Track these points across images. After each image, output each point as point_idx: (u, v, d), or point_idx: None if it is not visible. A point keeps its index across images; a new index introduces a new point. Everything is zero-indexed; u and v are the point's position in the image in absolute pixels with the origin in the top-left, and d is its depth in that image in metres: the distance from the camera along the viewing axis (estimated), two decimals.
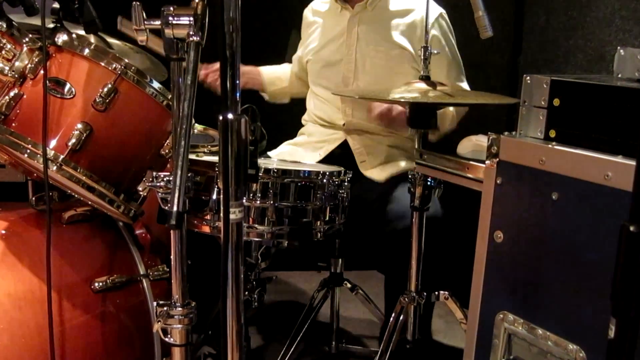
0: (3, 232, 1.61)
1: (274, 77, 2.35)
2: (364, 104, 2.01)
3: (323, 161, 2.04)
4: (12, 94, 1.49)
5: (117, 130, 1.53)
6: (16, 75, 1.49)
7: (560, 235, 1.07)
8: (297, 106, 2.31)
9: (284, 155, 2.12)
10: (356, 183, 1.78)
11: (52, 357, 1.44)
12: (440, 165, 1.46)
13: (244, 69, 2.25)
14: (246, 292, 1.72)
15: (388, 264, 1.93)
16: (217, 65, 2.18)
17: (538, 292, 1.12)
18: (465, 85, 2.07)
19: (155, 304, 1.29)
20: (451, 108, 2.02)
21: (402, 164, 2.02)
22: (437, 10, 1.99)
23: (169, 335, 1.27)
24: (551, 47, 2.42)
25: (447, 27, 2.04)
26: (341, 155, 2.05)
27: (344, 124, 2.06)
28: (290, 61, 2.36)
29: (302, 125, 2.24)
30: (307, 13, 2.23)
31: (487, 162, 1.20)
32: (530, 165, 1.11)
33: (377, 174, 2.00)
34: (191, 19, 1.14)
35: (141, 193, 1.61)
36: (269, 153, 2.15)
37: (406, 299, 1.64)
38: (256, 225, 1.52)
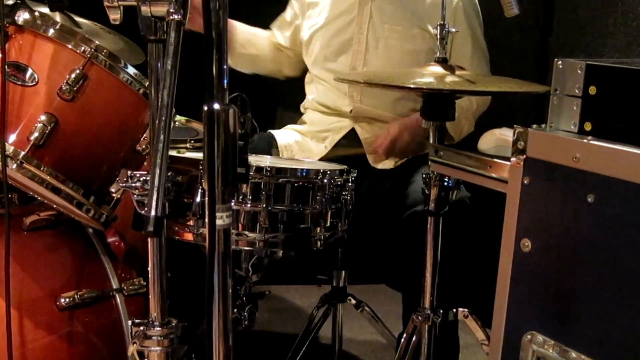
0: None
1: (248, 38, 2.22)
2: (374, 88, 2.01)
3: (329, 154, 2.04)
4: None
5: (86, 122, 1.54)
6: None
7: (596, 243, 1.07)
8: (294, 96, 2.31)
9: (290, 145, 2.12)
10: (365, 179, 1.78)
11: None
12: (458, 163, 1.46)
13: None
14: (235, 310, 1.72)
15: (407, 264, 1.91)
16: None
17: (571, 309, 1.12)
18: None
19: (130, 322, 1.30)
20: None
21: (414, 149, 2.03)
22: None
23: (145, 359, 1.28)
24: (586, 27, 2.42)
25: (474, 7, 2.04)
26: (348, 146, 2.05)
27: (351, 111, 2.07)
28: None
29: (300, 115, 2.24)
30: None
31: (513, 159, 1.20)
32: (562, 163, 1.11)
33: (388, 162, 2.01)
34: None
35: (114, 195, 1.61)
36: (272, 131, 2.14)
37: (419, 317, 1.64)
38: (246, 232, 1.53)
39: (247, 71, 2.27)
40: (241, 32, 2.22)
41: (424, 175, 1.58)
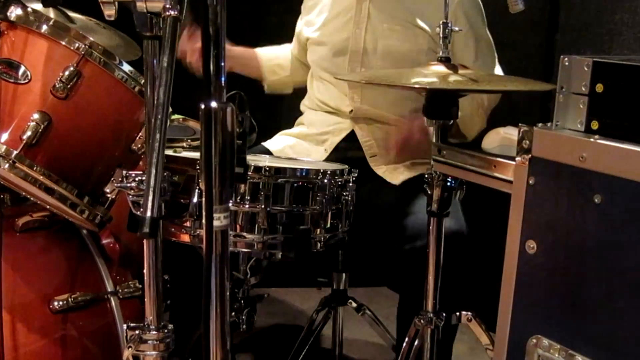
0: None
1: (274, 63, 2.30)
2: (375, 89, 2.01)
3: (330, 157, 2.04)
4: None
5: (80, 121, 1.53)
6: None
7: (603, 245, 1.07)
8: (293, 92, 2.31)
9: (284, 149, 2.11)
10: (366, 183, 1.78)
11: None
12: (462, 163, 1.46)
13: (236, 51, 2.23)
14: (233, 313, 1.71)
15: (405, 284, 1.92)
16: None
17: (578, 312, 1.12)
18: (499, 72, 2.07)
19: (125, 326, 1.30)
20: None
21: (423, 167, 2.02)
22: None
23: None
24: (593, 24, 2.42)
25: (476, 3, 2.04)
26: (349, 148, 2.05)
27: (351, 111, 2.07)
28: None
29: (299, 114, 2.23)
30: None
31: (518, 159, 1.20)
32: (568, 163, 1.11)
33: (391, 174, 2.00)
34: None
35: (109, 195, 1.61)
36: (264, 144, 2.14)
37: (422, 320, 1.64)
38: (245, 234, 1.52)
39: (286, 92, 2.34)
40: (267, 59, 2.29)
41: (426, 175, 1.58)
